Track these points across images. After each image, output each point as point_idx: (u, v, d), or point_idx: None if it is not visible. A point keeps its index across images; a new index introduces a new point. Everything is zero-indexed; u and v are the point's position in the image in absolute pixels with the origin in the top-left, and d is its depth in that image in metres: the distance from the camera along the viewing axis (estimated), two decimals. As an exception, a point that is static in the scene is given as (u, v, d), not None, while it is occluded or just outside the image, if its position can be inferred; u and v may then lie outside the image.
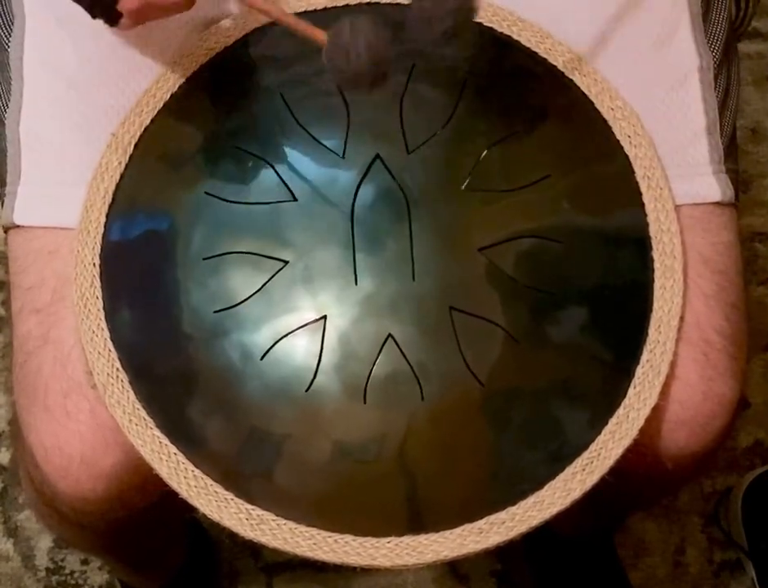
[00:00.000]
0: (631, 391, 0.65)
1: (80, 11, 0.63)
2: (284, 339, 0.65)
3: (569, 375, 0.65)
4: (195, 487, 0.63)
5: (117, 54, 0.71)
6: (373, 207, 0.68)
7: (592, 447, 0.64)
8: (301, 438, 0.64)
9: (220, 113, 0.71)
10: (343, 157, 0.68)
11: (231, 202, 0.68)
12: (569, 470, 0.63)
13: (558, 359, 0.66)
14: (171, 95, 0.71)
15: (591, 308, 0.67)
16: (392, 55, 0.58)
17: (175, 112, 0.71)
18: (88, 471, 0.66)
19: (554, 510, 0.63)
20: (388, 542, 0.62)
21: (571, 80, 0.72)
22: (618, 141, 0.70)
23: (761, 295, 1.29)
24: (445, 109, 0.70)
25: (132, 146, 0.70)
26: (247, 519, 0.63)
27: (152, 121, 0.71)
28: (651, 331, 0.66)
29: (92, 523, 0.73)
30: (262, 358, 0.65)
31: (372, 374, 0.64)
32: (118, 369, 0.65)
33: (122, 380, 0.65)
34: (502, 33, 0.73)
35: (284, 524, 0.62)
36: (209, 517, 0.63)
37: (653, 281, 0.67)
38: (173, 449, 0.64)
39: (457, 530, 0.62)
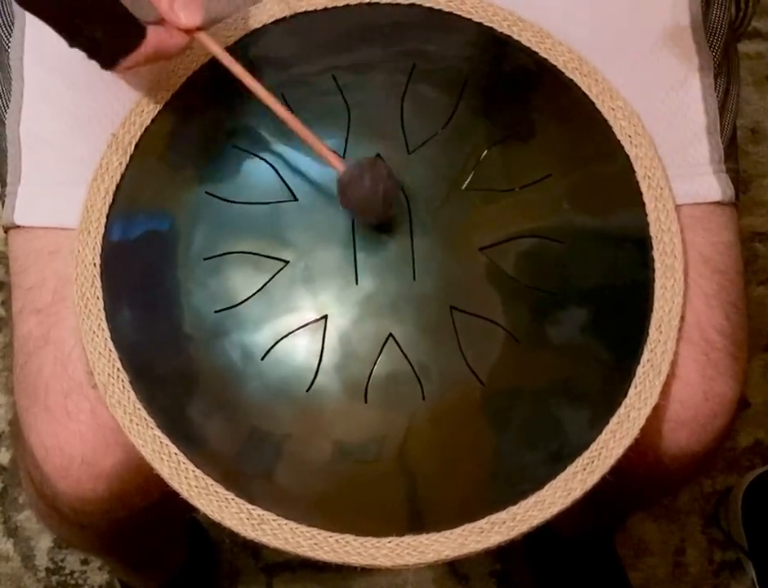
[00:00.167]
0: (631, 391, 0.65)
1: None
2: (285, 339, 0.65)
3: (570, 374, 0.65)
4: (196, 487, 0.63)
5: (117, 54, 0.71)
6: (374, 206, 0.68)
7: (593, 446, 0.64)
8: (302, 438, 0.64)
9: (220, 113, 0.71)
10: (344, 156, 0.68)
11: (232, 202, 0.68)
12: (569, 470, 0.63)
13: (559, 359, 0.66)
14: (172, 96, 0.71)
15: (592, 307, 0.67)
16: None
17: (175, 112, 0.71)
18: (89, 471, 0.66)
19: (555, 509, 0.63)
20: (389, 542, 0.62)
21: (571, 80, 0.72)
22: (619, 141, 0.70)
23: (761, 295, 1.29)
24: (446, 109, 0.70)
25: (133, 146, 0.70)
26: (248, 519, 0.63)
27: (152, 121, 0.71)
28: (652, 330, 0.66)
29: (93, 523, 0.73)
30: (263, 358, 0.65)
31: (372, 374, 0.64)
32: (118, 369, 0.65)
33: (122, 381, 0.65)
34: (502, 33, 0.73)
35: (285, 524, 0.62)
36: (210, 517, 0.63)
37: (653, 280, 0.67)
38: (174, 449, 0.64)
39: (458, 530, 0.62)
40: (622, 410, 0.64)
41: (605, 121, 0.71)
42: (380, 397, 0.64)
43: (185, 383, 0.65)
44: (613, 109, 0.71)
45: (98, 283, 0.67)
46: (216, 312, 0.66)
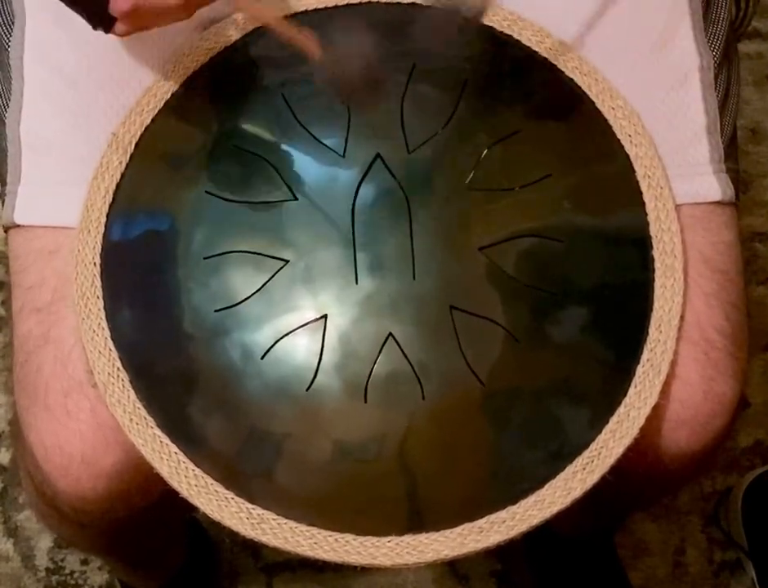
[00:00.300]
0: (631, 390, 0.65)
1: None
2: (285, 338, 0.65)
3: (570, 374, 0.65)
4: (196, 486, 0.63)
5: (117, 53, 0.71)
6: (374, 206, 0.68)
7: (593, 446, 0.64)
8: (302, 437, 0.64)
9: (220, 113, 0.71)
10: (344, 156, 0.69)
11: (232, 201, 0.68)
12: (569, 469, 0.63)
13: (559, 358, 0.66)
14: (172, 95, 0.71)
15: (592, 307, 0.67)
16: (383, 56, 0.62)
17: (176, 111, 0.71)
18: (89, 470, 0.66)
19: (554, 508, 0.63)
20: (389, 541, 0.62)
21: (572, 79, 0.72)
22: (619, 141, 0.70)
23: (761, 295, 1.29)
24: (446, 109, 0.70)
25: (133, 146, 0.70)
26: (247, 519, 0.63)
27: (153, 120, 0.71)
28: (652, 330, 0.66)
29: (93, 522, 0.73)
30: (263, 357, 0.65)
31: (372, 373, 0.64)
32: (118, 368, 0.65)
33: (122, 380, 0.65)
34: (502, 32, 0.73)
35: (285, 523, 0.62)
36: (210, 516, 0.63)
37: (653, 280, 0.67)
38: (174, 448, 0.64)
39: (458, 529, 0.62)
40: (621, 409, 0.64)
41: (605, 120, 0.71)
42: (380, 396, 0.64)
43: (184, 382, 0.65)
44: (613, 108, 0.71)
45: (98, 283, 0.67)
46: (216, 311, 0.66)
